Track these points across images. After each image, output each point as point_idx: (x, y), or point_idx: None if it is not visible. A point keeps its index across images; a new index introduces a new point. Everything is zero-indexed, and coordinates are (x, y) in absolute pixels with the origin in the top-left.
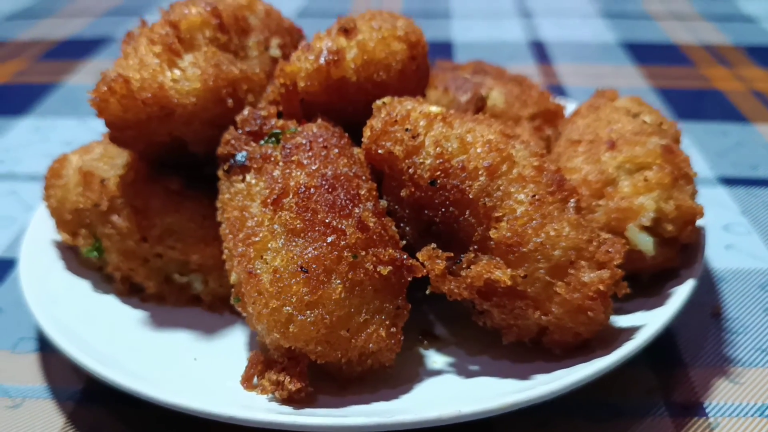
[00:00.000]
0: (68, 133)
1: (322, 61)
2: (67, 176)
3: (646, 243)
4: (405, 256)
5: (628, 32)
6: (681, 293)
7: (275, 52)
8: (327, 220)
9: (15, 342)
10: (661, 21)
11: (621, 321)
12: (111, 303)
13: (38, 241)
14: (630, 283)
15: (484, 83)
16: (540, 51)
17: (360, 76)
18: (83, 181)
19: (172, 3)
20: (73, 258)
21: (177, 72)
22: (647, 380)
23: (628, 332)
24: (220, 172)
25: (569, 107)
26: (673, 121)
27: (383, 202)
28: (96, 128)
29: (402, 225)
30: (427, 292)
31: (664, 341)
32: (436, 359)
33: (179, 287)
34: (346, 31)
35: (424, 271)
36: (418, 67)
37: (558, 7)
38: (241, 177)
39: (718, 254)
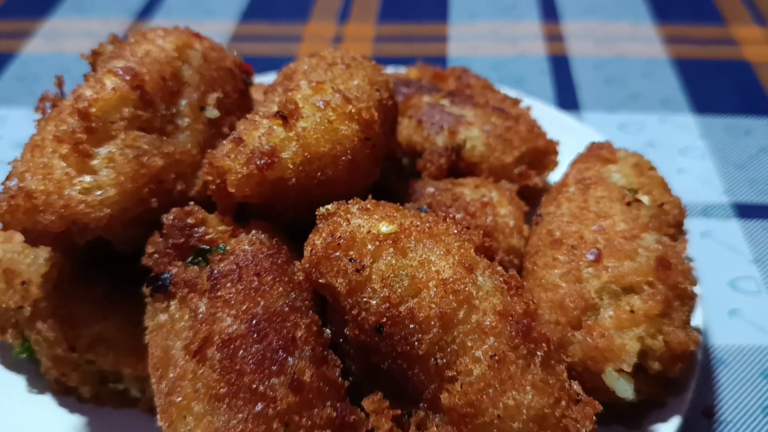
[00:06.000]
0: (22, 127)
1: (254, 165)
2: None
3: (624, 390)
4: (347, 410)
5: None
6: None
7: (212, 113)
8: (254, 385)
9: None
10: None
11: None
12: (46, 406)
13: None
14: (608, 408)
15: (464, 116)
16: None
17: (300, 176)
18: (4, 278)
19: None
20: (8, 349)
21: (87, 179)
22: None
23: None
24: (144, 289)
25: (569, 131)
26: (676, 197)
27: (327, 332)
28: None
29: (348, 360)
30: None
31: None
32: None
33: (116, 393)
34: (285, 118)
35: (369, 426)
36: (373, 147)
37: None
38: (164, 304)
39: (719, 323)
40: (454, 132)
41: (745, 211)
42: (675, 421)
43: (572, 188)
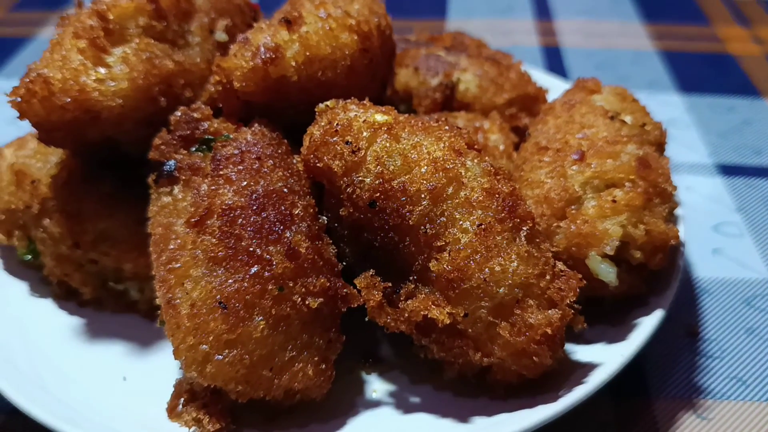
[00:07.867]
0: None
1: (258, 59)
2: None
3: (608, 274)
4: (339, 284)
5: None
6: (646, 327)
7: (221, 36)
8: (251, 249)
9: None
10: None
11: (578, 353)
12: (47, 308)
13: None
14: (591, 308)
15: (458, 64)
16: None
17: (302, 75)
18: (15, 180)
19: None
20: (12, 257)
21: (102, 71)
22: (604, 413)
23: (582, 371)
24: (149, 180)
25: (557, 88)
26: (658, 122)
27: (323, 219)
28: None
29: (342, 245)
30: (366, 319)
31: (629, 364)
32: (376, 387)
33: (116, 294)
34: (289, 23)
35: (360, 300)
36: (371, 61)
37: None
38: (168, 188)
39: (703, 260)
40: (449, 75)
41: (729, 171)
42: (658, 314)
43: (558, 109)
